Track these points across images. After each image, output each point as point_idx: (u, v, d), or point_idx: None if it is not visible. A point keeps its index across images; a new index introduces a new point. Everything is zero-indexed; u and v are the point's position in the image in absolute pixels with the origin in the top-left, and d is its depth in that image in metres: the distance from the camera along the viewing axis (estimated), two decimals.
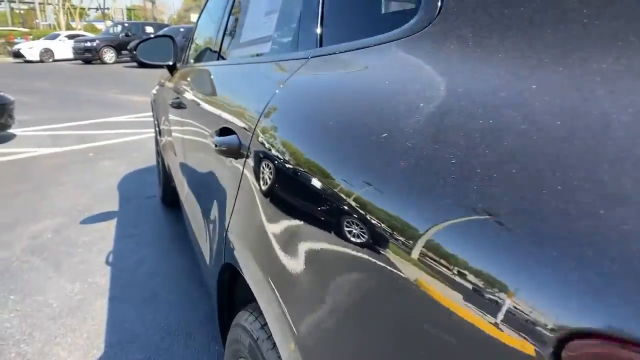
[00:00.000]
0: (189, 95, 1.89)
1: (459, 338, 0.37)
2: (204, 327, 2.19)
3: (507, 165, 0.37)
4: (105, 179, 4.44)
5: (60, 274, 2.65)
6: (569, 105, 0.38)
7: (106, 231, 3.27)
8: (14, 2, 49.79)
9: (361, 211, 0.51)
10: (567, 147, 0.35)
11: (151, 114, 4.28)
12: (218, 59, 1.78)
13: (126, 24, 23.75)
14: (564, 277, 0.30)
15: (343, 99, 0.66)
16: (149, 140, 6.01)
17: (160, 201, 3.85)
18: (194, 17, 39.42)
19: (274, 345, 0.79)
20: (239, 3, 1.70)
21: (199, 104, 1.60)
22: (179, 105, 2.06)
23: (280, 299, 0.72)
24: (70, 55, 22.38)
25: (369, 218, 0.50)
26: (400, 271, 0.44)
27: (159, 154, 3.77)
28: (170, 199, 3.54)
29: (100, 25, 43.82)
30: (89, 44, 21.12)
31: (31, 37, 27.45)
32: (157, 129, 3.69)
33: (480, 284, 0.36)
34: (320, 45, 0.92)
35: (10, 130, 6.11)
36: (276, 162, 0.77)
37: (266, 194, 0.80)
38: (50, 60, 23.03)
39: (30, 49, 22.74)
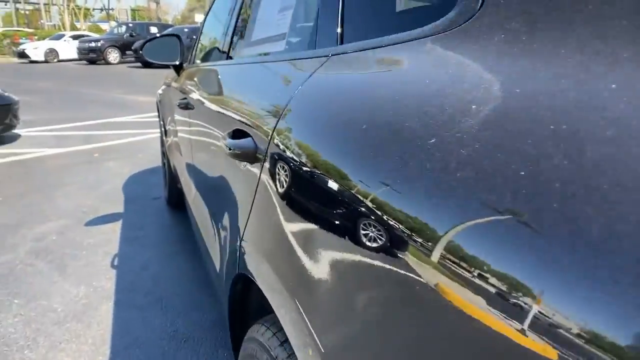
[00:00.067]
0: (197, 95, 1.84)
1: (484, 344, 0.36)
2: (211, 332, 2.14)
3: (587, 172, 0.33)
4: (110, 180, 4.40)
5: (65, 278, 2.60)
6: None
7: (111, 233, 3.22)
8: (19, 2, 49.91)
9: (393, 221, 0.47)
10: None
11: (156, 114, 4.24)
12: (227, 58, 1.73)
13: (130, 25, 23.74)
14: (594, 281, 0.29)
15: (378, 101, 0.59)
16: (154, 140, 5.97)
17: (165, 202, 3.80)
18: (197, 17, 39.44)
19: None
20: (249, 1, 1.64)
21: (208, 105, 1.54)
22: (186, 106, 2.01)
23: (302, 312, 0.67)
24: (75, 56, 22.42)
25: (401, 228, 0.46)
26: (431, 278, 0.42)
27: (164, 154, 3.72)
28: (176, 201, 3.49)
29: (104, 26, 43.84)
30: (93, 44, 21.13)
31: (36, 37, 27.47)
32: (162, 129, 3.64)
33: (506, 287, 0.34)
34: (341, 43, 0.86)
35: (15, 131, 6.09)
36: (298, 167, 0.71)
37: (287, 201, 0.74)
38: (55, 60, 23.05)
39: (35, 50, 22.77)
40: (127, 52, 20.91)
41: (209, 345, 2.05)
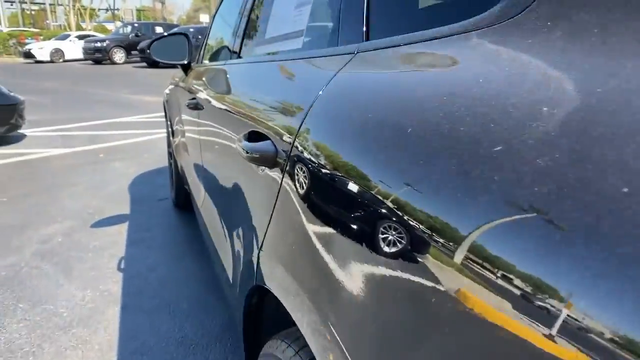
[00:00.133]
0: (206, 95, 1.79)
1: (515, 350, 0.34)
2: (220, 338, 2.08)
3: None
4: (116, 181, 4.36)
5: (71, 281, 2.55)
6: None
7: (117, 235, 3.17)
8: (25, 2, 50.13)
9: (442, 239, 0.43)
10: None
11: (162, 114, 4.20)
12: (238, 57, 1.67)
13: (136, 25, 23.76)
14: (629, 284, 0.28)
15: (424, 101, 0.53)
16: (160, 140, 5.93)
17: (172, 204, 3.75)
18: (203, 17, 39.47)
19: None
20: None
21: (219, 105, 1.49)
22: (195, 106, 1.95)
23: (332, 328, 0.61)
24: (81, 56, 22.44)
25: (448, 245, 0.42)
26: (460, 282, 0.40)
27: (171, 155, 3.67)
28: (183, 202, 3.44)
29: (110, 26, 43.92)
30: (99, 44, 21.16)
31: (42, 37, 27.55)
32: (169, 130, 3.59)
33: (536, 291, 0.33)
34: (367, 39, 0.80)
35: (21, 131, 6.06)
36: (326, 173, 0.65)
37: (313, 210, 0.68)
38: (61, 60, 23.08)
39: (41, 49, 22.81)
40: (133, 52, 20.91)
41: (219, 351, 2.00)
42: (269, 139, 0.91)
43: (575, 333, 0.30)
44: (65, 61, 23.17)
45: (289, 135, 0.80)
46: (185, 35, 2.67)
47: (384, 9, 0.82)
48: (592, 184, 0.32)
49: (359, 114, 0.64)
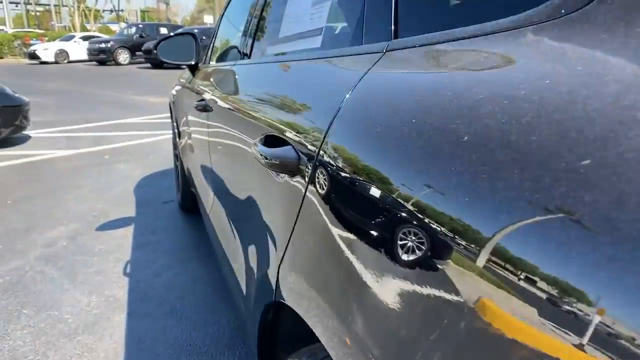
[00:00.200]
0: (216, 97, 1.73)
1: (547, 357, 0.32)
2: (229, 345, 2.03)
3: None
4: (121, 183, 4.31)
5: (76, 286, 2.50)
6: None
7: (123, 239, 3.12)
8: (30, 4, 50.29)
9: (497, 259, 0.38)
10: None
11: (167, 115, 4.15)
12: (249, 57, 1.61)
13: (140, 25, 23.78)
14: None
15: (480, 105, 0.46)
16: (165, 142, 5.88)
17: (178, 206, 3.69)
18: (207, 18, 39.47)
19: None
20: None
21: (230, 107, 1.43)
22: (204, 108, 1.89)
23: (366, 354, 0.55)
24: (85, 57, 22.46)
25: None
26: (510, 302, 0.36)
27: (177, 157, 3.62)
28: (189, 205, 3.39)
29: (114, 27, 44.01)
30: (103, 45, 21.17)
31: (46, 38, 27.57)
32: (176, 131, 3.54)
33: (565, 296, 0.32)
34: (396, 37, 0.74)
35: (25, 132, 6.02)
36: (359, 184, 0.59)
37: (344, 224, 0.62)
38: (65, 61, 23.09)
39: (46, 50, 22.82)
40: (137, 53, 20.90)
41: None
42: (289, 144, 0.85)
43: (606, 339, 0.28)
44: (69, 62, 23.17)
45: (313, 141, 0.74)
46: (193, 35, 2.62)
47: (414, 5, 0.76)
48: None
49: (396, 119, 0.58)
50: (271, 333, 1.01)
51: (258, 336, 1.01)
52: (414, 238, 0.48)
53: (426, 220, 0.46)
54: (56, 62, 22.59)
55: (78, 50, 23.46)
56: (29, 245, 3.01)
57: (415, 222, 0.48)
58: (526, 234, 0.36)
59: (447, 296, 0.42)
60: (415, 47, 0.66)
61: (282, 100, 1.03)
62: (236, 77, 1.62)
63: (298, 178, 0.79)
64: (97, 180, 4.41)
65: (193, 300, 2.38)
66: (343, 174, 0.64)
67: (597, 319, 0.29)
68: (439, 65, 0.60)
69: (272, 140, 0.95)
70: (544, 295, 0.33)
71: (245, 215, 1.23)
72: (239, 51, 1.84)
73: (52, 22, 46.69)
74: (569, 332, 0.31)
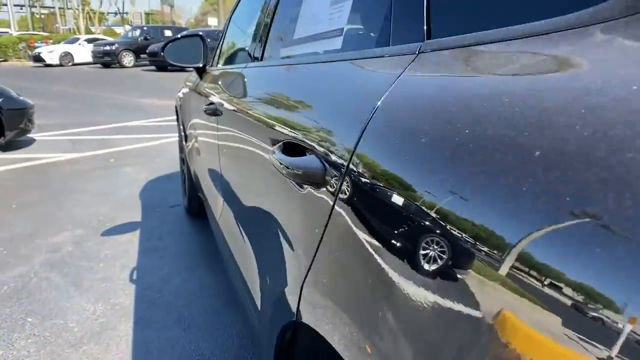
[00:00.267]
0: (227, 100, 1.67)
1: None
2: (238, 355, 1.97)
3: None
4: (126, 186, 4.26)
5: (81, 293, 2.45)
6: None
7: (129, 244, 3.07)
8: (35, 6, 50.47)
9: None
10: None
11: (172, 117, 4.10)
12: (262, 59, 1.55)
13: (145, 28, 23.76)
14: None
15: (548, 114, 0.40)
16: (171, 145, 5.84)
17: (184, 211, 3.64)
18: (211, 20, 39.48)
19: None
20: None
21: (243, 112, 1.37)
22: (214, 112, 1.84)
23: None
24: (90, 59, 22.46)
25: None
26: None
27: (183, 161, 3.57)
28: (196, 209, 3.33)
29: (119, 29, 44.11)
30: (108, 47, 21.16)
31: (51, 41, 27.60)
32: (182, 134, 3.49)
33: (593, 305, 0.30)
34: (429, 37, 0.68)
35: (30, 135, 5.98)
36: (395, 198, 0.54)
37: (379, 241, 0.56)
38: (70, 64, 23.11)
39: (50, 53, 22.84)
40: (142, 56, 20.88)
41: None
42: (311, 152, 0.79)
43: (638, 349, 0.27)
44: (74, 65, 23.19)
45: (342, 151, 0.68)
46: (201, 37, 2.57)
47: (450, 1, 0.70)
48: None
49: (442, 128, 0.51)
50: (288, 353, 0.95)
51: (274, 357, 0.95)
52: (460, 258, 0.43)
53: (478, 243, 0.41)
54: (61, 65, 22.61)
55: (83, 52, 23.48)
56: (33, 250, 2.96)
57: (463, 242, 0.43)
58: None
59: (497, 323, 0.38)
60: (455, 48, 0.61)
61: (301, 104, 0.97)
62: (248, 80, 1.56)
63: (324, 190, 0.72)
64: (102, 184, 4.37)
65: (201, 308, 2.33)
66: (377, 188, 0.58)
67: (628, 328, 0.28)
68: (489, 69, 0.54)
69: (292, 148, 0.89)
70: (573, 303, 0.32)
71: (260, 226, 1.17)
72: (249, 53, 1.78)
73: (57, 25, 46.79)
74: (599, 343, 0.30)
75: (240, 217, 1.46)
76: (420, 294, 0.47)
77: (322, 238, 0.71)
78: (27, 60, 25.96)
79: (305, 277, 0.77)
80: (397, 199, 0.54)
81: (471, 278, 0.41)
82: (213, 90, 2.07)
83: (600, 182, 0.32)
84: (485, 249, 0.40)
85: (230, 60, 2.32)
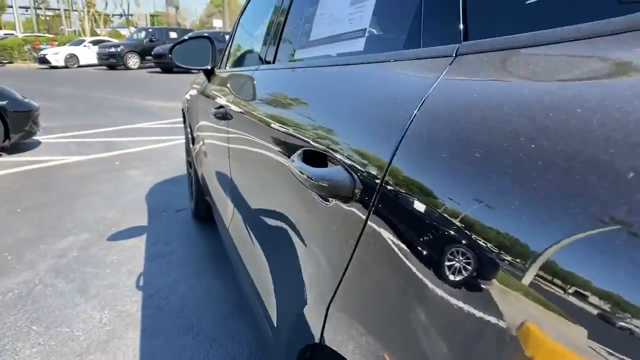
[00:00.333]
0: (237, 104, 1.62)
1: None
2: None
3: None
4: (132, 190, 4.22)
5: (87, 300, 2.40)
6: None
7: (135, 249, 3.02)
8: (40, 8, 50.67)
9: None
10: None
11: (178, 120, 4.06)
12: (275, 62, 1.49)
13: (150, 30, 23.77)
14: None
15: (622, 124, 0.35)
16: (177, 147, 5.80)
17: (191, 215, 3.59)
18: (216, 22, 39.51)
19: None
20: None
21: (256, 116, 1.31)
22: (224, 116, 1.78)
23: None
24: (95, 61, 22.49)
25: None
26: None
27: (190, 164, 3.51)
28: (204, 213, 3.28)
29: (124, 31, 44.19)
30: (113, 49, 21.18)
31: (56, 43, 27.66)
32: (189, 137, 3.44)
33: (624, 316, 0.29)
34: (466, 38, 0.63)
35: (35, 138, 5.95)
36: (439, 217, 0.48)
37: (422, 262, 0.50)
38: (75, 65, 23.15)
39: (56, 55, 22.88)
40: (147, 58, 20.87)
41: None
42: (338, 163, 0.73)
43: None
44: (79, 67, 23.24)
45: (376, 164, 0.62)
46: (209, 38, 2.52)
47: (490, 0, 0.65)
48: None
49: (497, 141, 0.45)
50: None
51: None
52: (507, 284, 0.38)
53: (542, 272, 0.36)
54: (66, 67, 22.65)
55: (88, 54, 23.52)
56: (38, 256, 2.91)
57: (524, 267, 0.38)
58: None
59: None
60: (501, 50, 0.55)
61: (322, 110, 0.91)
62: (261, 82, 1.51)
63: (354, 205, 0.66)
64: (108, 187, 4.32)
65: (209, 316, 2.27)
66: (418, 204, 0.52)
67: None
68: (541, 74, 0.48)
69: (313, 157, 0.83)
70: (600, 313, 0.31)
71: (276, 237, 1.11)
72: (260, 56, 1.72)
73: (62, 27, 46.97)
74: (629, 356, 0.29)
75: (253, 225, 1.40)
76: (471, 319, 0.42)
77: (352, 255, 0.65)
78: (33, 62, 26.02)
79: (333, 296, 0.71)
80: (441, 218, 0.48)
81: (530, 305, 0.37)
82: (222, 93, 2.02)
83: None
84: (549, 277, 0.36)
85: (240, 62, 2.27)
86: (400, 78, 0.72)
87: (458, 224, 0.45)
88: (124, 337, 2.10)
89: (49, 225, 3.39)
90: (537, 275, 0.36)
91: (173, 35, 21.76)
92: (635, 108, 0.35)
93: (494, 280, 0.40)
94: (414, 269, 0.51)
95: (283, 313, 1.03)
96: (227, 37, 15.90)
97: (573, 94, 0.42)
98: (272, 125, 1.14)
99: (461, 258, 0.45)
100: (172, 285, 2.56)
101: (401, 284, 0.53)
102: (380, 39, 0.92)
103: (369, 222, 0.61)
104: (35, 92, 10.20)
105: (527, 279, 0.37)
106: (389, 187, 0.58)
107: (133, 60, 21.21)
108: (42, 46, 26.66)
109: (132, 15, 52.57)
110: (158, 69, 19.78)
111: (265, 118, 1.23)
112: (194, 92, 3.08)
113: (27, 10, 50.93)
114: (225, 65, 2.52)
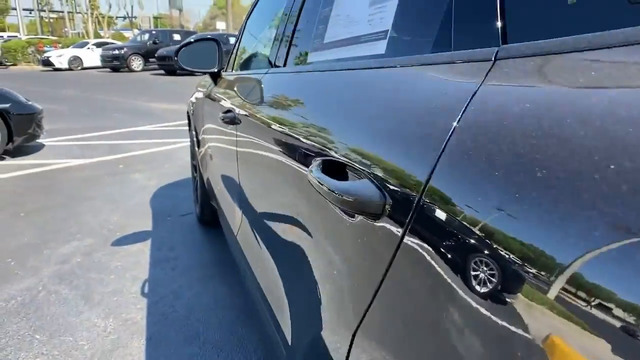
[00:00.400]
0: (246, 108, 1.57)
1: None
2: None
3: None
4: (136, 194, 4.17)
5: (91, 308, 2.35)
6: None
7: (140, 254, 2.98)
8: (44, 11, 50.80)
9: None
10: None
11: (182, 122, 4.01)
12: (286, 65, 1.44)
13: (153, 32, 23.75)
14: None
15: None
16: (181, 150, 5.76)
17: (196, 219, 3.54)
18: (219, 24, 39.54)
19: None
20: None
21: (268, 121, 1.27)
22: (232, 120, 1.73)
23: None
24: (99, 63, 22.50)
25: None
26: None
27: (195, 168, 3.46)
28: (209, 218, 3.23)
29: (127, 34, 44.27)
30: (116, 51, 21.19)
31: (60, 45, 27.68)
32: (194, 140, 3.39)
33: None
34: (505, 41, 0.57)
35: (39, 141, 5.92)
36: (489, 240, 0.43)
37: (467, 287, 0.44)
38: (79, 68, 23.18)
39: (59, 57, 22.91)
40: (150, 60, 20.87)
41: None
42: (365, 176, 0.67)
43: None
44: (83, 69, 23.27)
45: (412, 179, 0.56)
46: (216, 40, 2.47)
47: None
48: None
49: (557, 158, 0.40)
50: None
51: None
52: (573, 320, 0.34)
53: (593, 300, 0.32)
54: (70, 69, 22.67)
55: (91, 57, 23.55)
56: (42, 261, 2.87)
57: (574, 295, 0.33)
58: None
59: None
60: (549, 54, 0.49)
61: (339, 116, 0.86)
62: (271, 86, 1.46)
63: (386, 222, 0.60)
64: (112, 191, 4.28)
65: (216, 323, 2.22)
66: (464, 227, 0.47)
67: None
68: (596, 80, 0.43)
69: (332, 167, 0.78)
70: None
71: (292, 253, 1.04)
72: (269, 59, 1.67)
73: (66, 29, 47.01)
74: None
75: (265, 237, 1.34)
76: (517, 349, 0.37)
77: (383, 278, 0.59)
78: (36, 64, 26.07)
79: (361, 321, 0.65)
80: (491, 243, 0.43)
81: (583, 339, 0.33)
82: (230, 97, 1.97)
83: None
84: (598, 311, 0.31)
85: (247, 65, 2.22)
86: (431, 84, 0.66)
87: (513, 252, 0.40)
88: (128, 346, 2.05)
89: (52, 230, 3.35)
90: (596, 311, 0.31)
91: (176, 37, 21.73)
92: None
93: (556, 317, 0.35)
94: (459, 297, 0.46)
95: (299, 333, 0.98)
96: (231, 39, 15.85)
97: None
98: (286, 132, 1.09)
99: (515, 287, 0.39)
100: (177, 292, 2.51)
101: (444, 315, 0.47)
102: (403, 41, 0.87)
103: (404, 241, 0.55)
104: (39, 95, 10.19)
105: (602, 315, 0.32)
106: (427, 205, 0.52)
107: (136, 63, 21.20)
108: (45, 48, 26.67)
109: (135, 17, 52.60)
110: (162, 71, 19.76)
111: (277, 124, 1.18)
112: (199, 94, 3.03)
113: (30, 13, 51.06)
114: (232, 68, 2.47)
